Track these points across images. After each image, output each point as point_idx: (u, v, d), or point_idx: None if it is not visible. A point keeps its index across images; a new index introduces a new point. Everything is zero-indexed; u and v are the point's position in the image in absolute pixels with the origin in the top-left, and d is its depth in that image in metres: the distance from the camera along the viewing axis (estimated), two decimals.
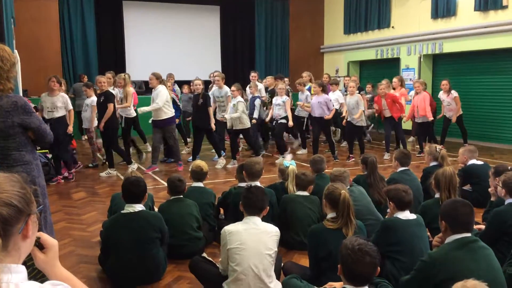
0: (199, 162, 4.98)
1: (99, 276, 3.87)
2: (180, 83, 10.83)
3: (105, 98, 7.56)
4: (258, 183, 4.48)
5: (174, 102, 8.74)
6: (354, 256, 2.27)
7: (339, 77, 14.35)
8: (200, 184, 4.88)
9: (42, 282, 1.25)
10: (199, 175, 4.89)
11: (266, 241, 3.15)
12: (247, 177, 4.59)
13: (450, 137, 10.50)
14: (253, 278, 3.07)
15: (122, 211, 3.77)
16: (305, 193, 4.54)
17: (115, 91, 8.46)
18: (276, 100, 9.20)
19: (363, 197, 4.38)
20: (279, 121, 9.11)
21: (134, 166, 7.79)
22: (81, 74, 12.95)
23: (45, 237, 1.44)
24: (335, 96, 10.05)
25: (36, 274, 1.64)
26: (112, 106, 7.56)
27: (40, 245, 1.42)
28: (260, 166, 4.66)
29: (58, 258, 1.45)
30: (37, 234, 1.39)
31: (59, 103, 7.28)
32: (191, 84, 9.05)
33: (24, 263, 1.28)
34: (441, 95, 9.85)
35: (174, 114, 8.10)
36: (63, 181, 7.39)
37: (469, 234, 2.79)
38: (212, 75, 10.95)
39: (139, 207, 3.76)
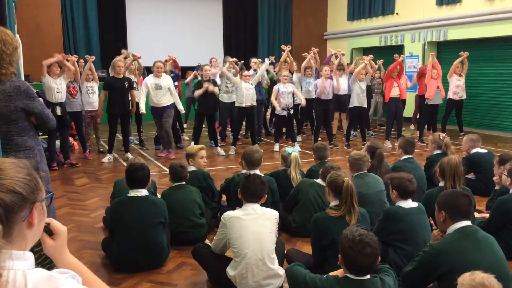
0: (191, 147, 5.07)
1: (102, 262, 3.88)
2: (182, 70, 10.75)
3: (130, 84, 7.83)
4: (257, 172, 4.48)
5: None
6: (355, 247, 2.27)
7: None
8: (192, 168, 4.87)
9: (49, 268, 1.23)
10: (187, 156, 4.95)
11: (266, 224, 3.19)
12: (246, 166, 4.59)
13: (450, 125, 10.48)
14: (256, 262, 3.10)
15: (129, 195, 3.77)
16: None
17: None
18: (286, 87, 8.65)
19: (377, 184, 4.30)
20: (292, 111, 8.79)
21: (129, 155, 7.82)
22: (79, 59, 12.76)
23: (55, 223, 1.42)
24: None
25: (43, 260, 1.63)
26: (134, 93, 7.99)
27: (49, 231, 1.40)
28: (260, 155, 4.65)
29: (66, 245, 1.44)
30: (47, 220, 1.37)
31: (64, 84, 7.35)
32: (201, 69, 8.90)
33: (31, 249, 1.27)
34: (459, 77, 9.84)
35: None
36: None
37: (469, 222, 2.79)
38: (214, 59, 10.92)
39: (144, 192, 3.77)
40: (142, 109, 7.87)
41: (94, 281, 1.41)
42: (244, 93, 8.41)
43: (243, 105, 8.47)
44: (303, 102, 8.84)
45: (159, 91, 7.83)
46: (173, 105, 8.09)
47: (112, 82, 7.67)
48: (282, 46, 10.01)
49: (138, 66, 8.83)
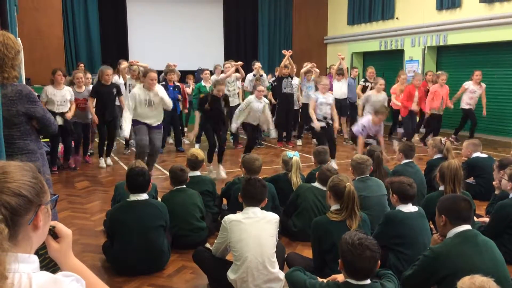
0: (193, 150, 5.02)
1: (103, 265, 3.89)
2: (182, 74, 10.76)
3: (118, 91, 7.77)
4: None
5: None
6: (354, 250, 2.28)
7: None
8: (197, 173, 4.89)
9: (54, 271, 1.24)
10: (194, 163, 4.91)
11: (267, 228, 3.20)
12: (247, 173, 4.60)
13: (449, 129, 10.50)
14: (256, 265, 3.10)
15: (128, 199, 3.79)
16: (324, 188, 4.27)
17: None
18: (325, 97, 7.67)
19: (379, 189, 4.30)
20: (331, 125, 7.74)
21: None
22: (79, 62, 12.77)
23: (60, 226, 1.43)
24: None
25: (48, 263, 1.63)
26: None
27: (54, 234, 1.41)
28: (260, 163, 4.69)
29: (71, 248, 1.45)
30: (52, 223, 1.38)
31: (68, 96, 7.22)
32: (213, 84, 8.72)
33: (36, 252, 1.28)
34: (472, 85, 9.76)
35: None
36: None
37: (469, 226, 2.80)
38: (218, 66, 10.94)
39: (144, 196, 3.78)
40: (126, 132, 6.24)
41: (98, 285, 1.42)
42: (252, 115, 7.71)
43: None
44: (317, 126, 7.52)
45: (150, 108, 6.30)
46: (162, 125, 6.66)
47: (98, 89, 7.51)
48: (284, 51, 10.00)
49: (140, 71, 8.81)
